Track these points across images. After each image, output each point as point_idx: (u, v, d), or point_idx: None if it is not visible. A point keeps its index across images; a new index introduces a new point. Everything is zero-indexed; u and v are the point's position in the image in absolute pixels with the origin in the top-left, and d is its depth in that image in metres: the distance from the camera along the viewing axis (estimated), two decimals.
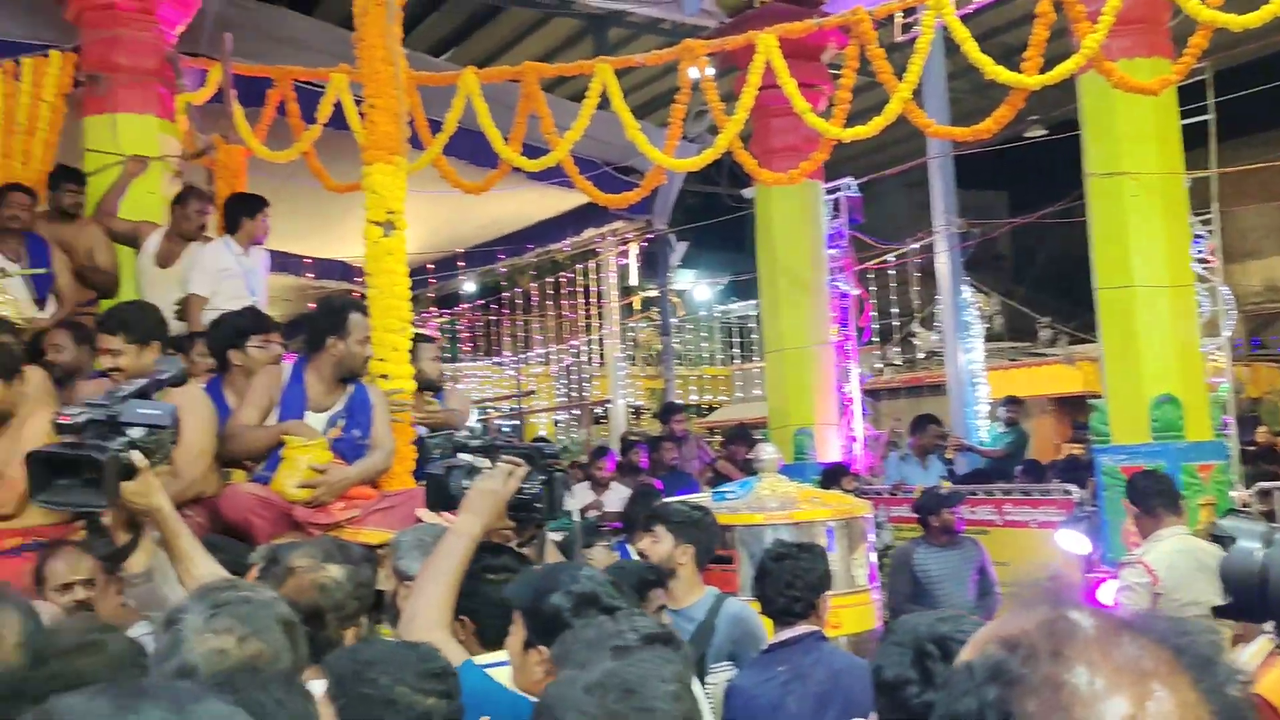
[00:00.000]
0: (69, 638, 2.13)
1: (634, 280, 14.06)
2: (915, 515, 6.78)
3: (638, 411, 16.19)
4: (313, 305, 12.46)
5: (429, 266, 12.97)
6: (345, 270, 12.78)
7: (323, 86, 7.27)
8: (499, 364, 17.62)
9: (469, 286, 16.01)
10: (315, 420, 4.43)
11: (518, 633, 2.34)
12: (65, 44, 7.16)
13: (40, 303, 6.02)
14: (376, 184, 4.80)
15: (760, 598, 3.64)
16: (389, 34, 4.83)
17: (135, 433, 2.44)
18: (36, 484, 2.38)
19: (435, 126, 7.27)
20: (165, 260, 6.51)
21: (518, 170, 7.54)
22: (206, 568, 2.55)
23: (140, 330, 4.25)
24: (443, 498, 2.92)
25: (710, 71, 7.72)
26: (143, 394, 2.64)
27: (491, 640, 2.55)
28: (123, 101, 6.98)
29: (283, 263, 9.69)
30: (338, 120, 7.17)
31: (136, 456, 2.43)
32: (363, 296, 4.96)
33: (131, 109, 7.00)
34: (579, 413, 16.26)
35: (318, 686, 1.83)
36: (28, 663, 1.86)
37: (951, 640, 1.66)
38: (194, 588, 2.31)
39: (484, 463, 2.95)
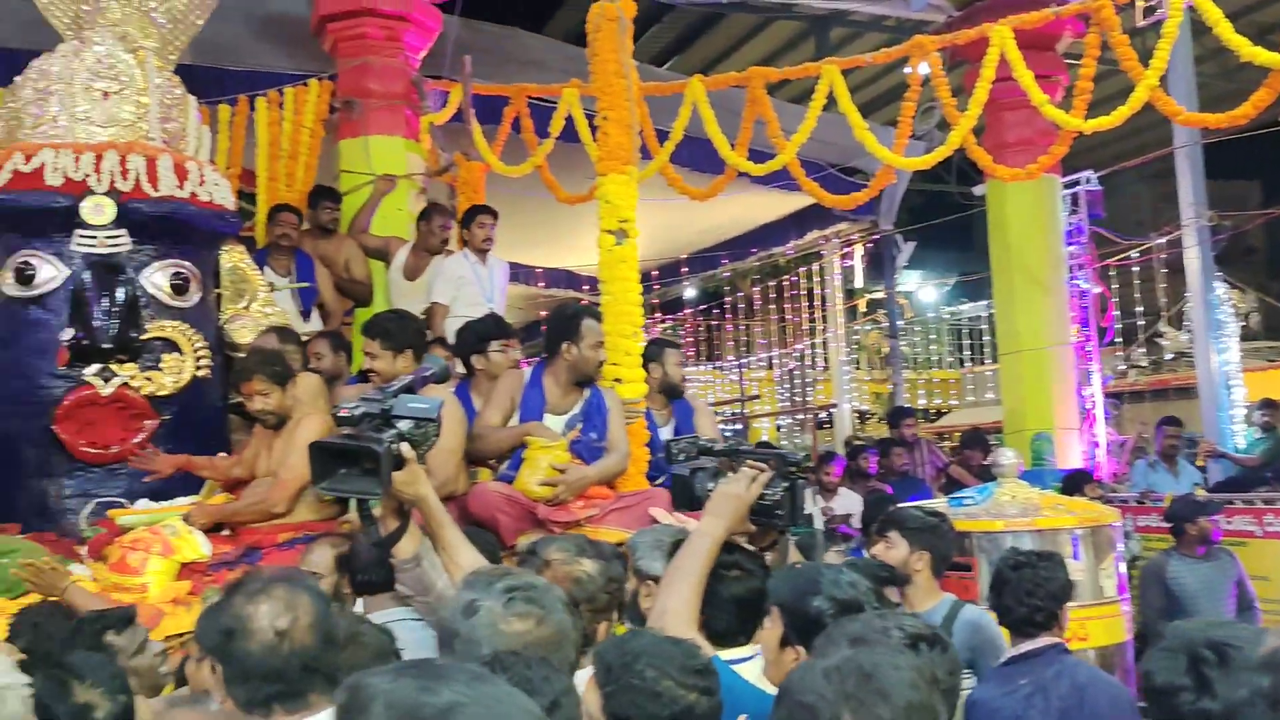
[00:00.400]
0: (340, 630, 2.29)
1: (859, 282, 13.88)
2: (1166, 524, 6.42)
3: (863, 416, 15.93)
4: (543, 313, 12.98)
5: (653, 273, 13.20)
6: (571, 279, 13.19)
7: (555, 102, 7.54)
8: (720, 369, 17.71)
9: (690, 292, 16.18)
10: (553, 423, 4.61)
11: (775, 628, 2.37)
12: (322, 73, 7.72)
13: (305, 314, 6.50)
14: (609, 193, 4.94)
15: (998, 608, 3.53)
16: (621, 48, 4.97)
17: (403, 425, 2.57)
18: (319, 472, 2.51)
19: (660, 135, 7.42)
20: (412, 273, 6.92)
21: (742, 175, 7.60)
22: (469, 556, 2.69)
23: (397, 338, 4.54)
24: (687, 498, 2.99)
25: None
26: (409, 390, 2.78)
27: (718, 635, 2.58)
28: (374, 124, 7.48)
29: (514, 272, 10.06)
30: (569, 134, 7.42)
31: (405, 448, 2.55)
32: (591, 304, 5.11)
33: (381, 131, 7.49)
34: (802, 417, 16.14)
35: (582, 673, 1.92)
36: (319, 643, 2.02)
37: (1228, 646, 1.59)
38: (459, 575, 2.45)
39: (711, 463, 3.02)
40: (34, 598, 3.87)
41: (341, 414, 2.60)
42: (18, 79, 5.24)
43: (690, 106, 7.13)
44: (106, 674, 2.45)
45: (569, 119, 7.35)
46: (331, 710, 1.99)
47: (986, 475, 6.52)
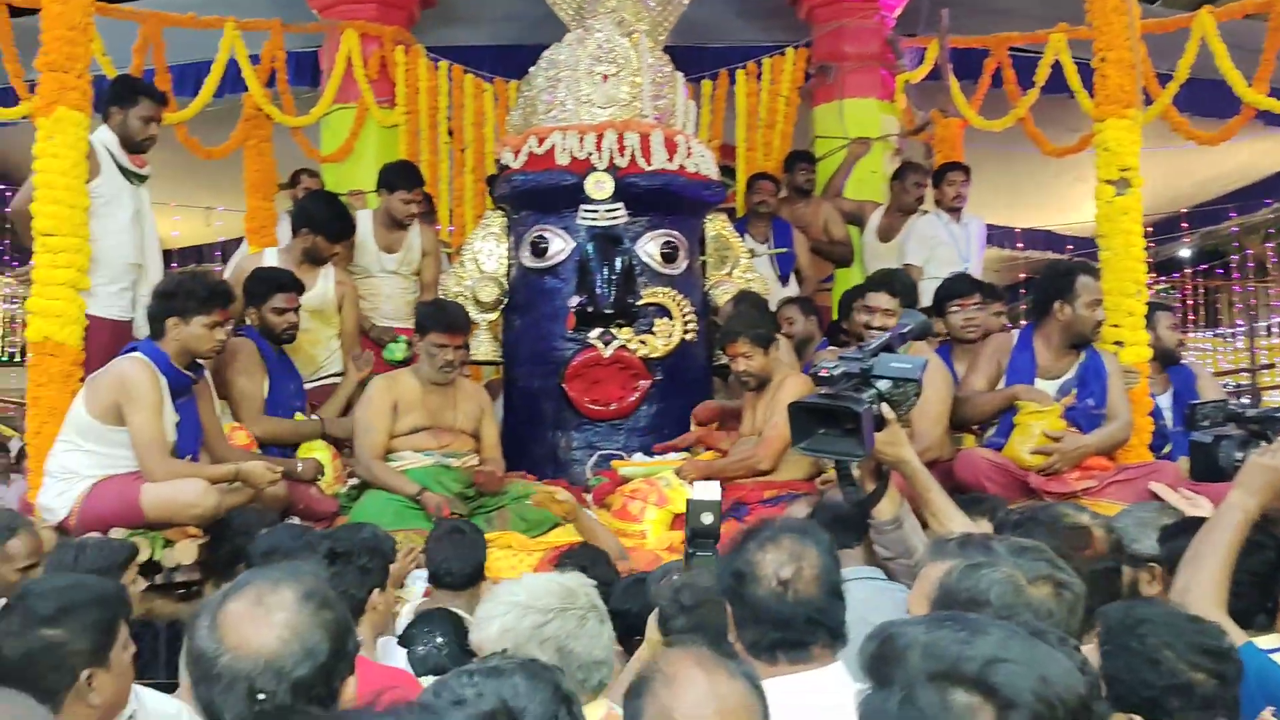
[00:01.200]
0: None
1: None
2: None
3: None
4: (1022, 275, 12.37)
5: (1146, 230, 12.09)
6: (1050, 239, 12.48)
7: (1035, 52, 7.10)
8: (1223, 336, 15.92)
9: (1185, 251, 14.66)
10: (1045, 388, 4.35)
11: None
12: (796, 42, 7.81)
13: (784, 279, 6.65)
14: (1109, 140, 4.56)
15: None
16: None
17: (883, 385, 2.50)
18: (799, 433, 2.49)
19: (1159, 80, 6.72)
20: (886, 234, 6.84)
21: (1258, 116, 6.71)
22: (960, 520, 2.59)
23: (907, 295, 4.53)
24: (1208, 468, 2.70)
25: None
26: (887, 348, 2.69)
27: (1234, 613, 2.32)
28: (848, 88, 7.46)
29: (991, 234, 9.66)
30: (1051, 85, 6.95)
31: (885, 408, 2.50)
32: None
33: (856, 94, 7.46)
34: None
35: None
36: (823, 596, 2.03)
37: None
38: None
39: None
40: (556, 539, 4.29)
41: (821, 374, 2.56)
42: (531, 69, 5.77)
43: (1198, 42, 6.38)
44: None
45: (1053, 69, 6.84)
46: (837, 664, 2.01)
47: None
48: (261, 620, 1.57)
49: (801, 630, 2.02)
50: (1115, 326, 4.48)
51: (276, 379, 4.78)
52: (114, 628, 2.24)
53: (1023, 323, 5.55)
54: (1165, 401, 4.93)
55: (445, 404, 4.74)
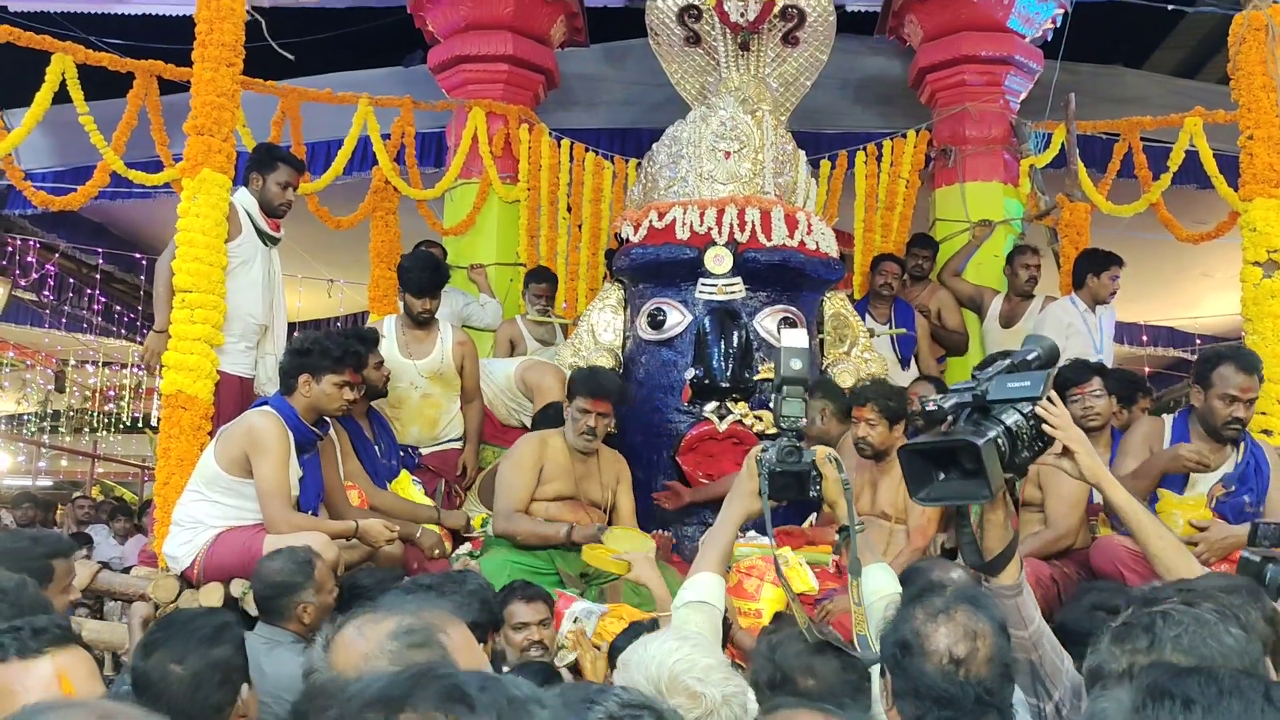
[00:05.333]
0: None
1: None
2: None
3: None
4: (1147, 369, 11.97)
5: None
6: (1173, 336, 12.12)
7: (1163, 142, 6.95)
8: None
9: None
10: (1199, 482, 4.10)
11: None
12: (915, 127, 7.76)
13: (904, 363, 6.50)
14: (1257, 220, 4.39)
15: None
16: (1270, 59, 4.42)
17: (1009, 419, 2.23)
18: (916, 482, 2.24)
19: None
20: (1008, 320, 6.66)
21: None
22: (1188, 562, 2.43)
23: None
24: None
25: None
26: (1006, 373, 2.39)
27: None
28: (970, 171, 7.37)
29: (1116, 329, 9.37)
30: (1180, 176, 6.77)
31: (1048, 429, 2.25)
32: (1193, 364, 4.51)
33: (978, 178, 7.36)
34: None
35: None
36: (996, 677, 1.89)
37: None
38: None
39: None
40: None
41: (929, 408, 2.31)
42: (654, 146, 5.82)
43: None
44: None
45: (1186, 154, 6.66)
46: None
47: None
48: (353, 647, 1.67)
49: (970, 711, 1.87)
50: (1263, 414, 4.25)
51: (361, 449, 4.74)
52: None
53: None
54: None
55: (588, 473, 4.65)
